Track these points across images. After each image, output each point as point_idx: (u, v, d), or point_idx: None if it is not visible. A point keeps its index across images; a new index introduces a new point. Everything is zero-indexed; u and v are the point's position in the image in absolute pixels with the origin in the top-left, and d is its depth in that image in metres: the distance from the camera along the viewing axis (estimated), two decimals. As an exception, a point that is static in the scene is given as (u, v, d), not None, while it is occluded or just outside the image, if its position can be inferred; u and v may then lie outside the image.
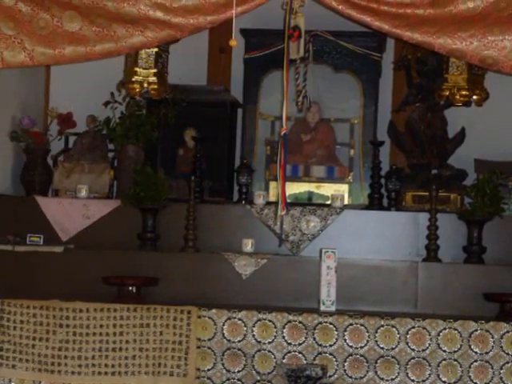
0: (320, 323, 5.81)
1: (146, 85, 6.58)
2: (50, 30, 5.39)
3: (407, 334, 5.79)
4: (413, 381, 5.79)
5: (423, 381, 5.79)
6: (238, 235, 6.47)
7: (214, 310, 5.83)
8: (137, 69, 6.55)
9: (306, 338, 5.80)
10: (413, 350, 5.79)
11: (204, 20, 5.40)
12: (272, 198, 6.68)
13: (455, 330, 5.81)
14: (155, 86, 6.57)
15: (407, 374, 5.78)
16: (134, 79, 6.56)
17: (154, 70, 6.56)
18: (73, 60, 5.50)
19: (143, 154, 6.74)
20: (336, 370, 5.78)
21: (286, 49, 5.32)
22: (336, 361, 5.79)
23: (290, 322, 5.82)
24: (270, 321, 5.82)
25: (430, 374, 5.79)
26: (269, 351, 5.82)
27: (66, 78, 7.15)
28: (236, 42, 5.07)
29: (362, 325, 5.82)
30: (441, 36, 5.32)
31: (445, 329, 5.82)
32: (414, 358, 5.80)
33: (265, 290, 6.24)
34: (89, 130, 6.83)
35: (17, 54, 5.38)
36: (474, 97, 6.75)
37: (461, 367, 5.78)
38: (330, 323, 5.81)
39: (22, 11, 5.36)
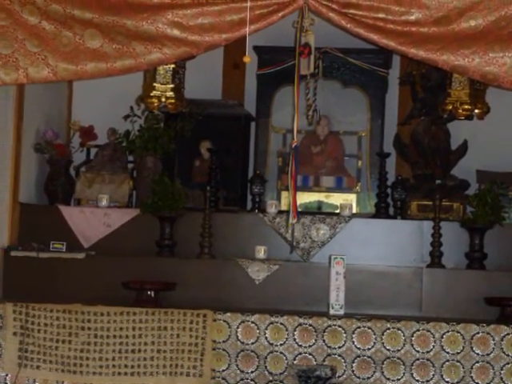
0: (329, 326, 5.84)
1: (163, 99, 6.59)
2: (72, 47, 5.33)
3: (412, 336, 5.81)
4: (417, 381, 5.81)
5: (427, 381, 5.81)
6: (251, 242, 6.47)
7: (228, 314, 5.87)
8: (155, 84, 6.57)
9: (315, 340, 5.83)
10: (417, 351, 5.81)
11: (219, 37, 5.35)
12: (284, 207, 6.69)
13: (458, 332, 5.83)
14: (172, 101, 6.60)
15: (412, 374, 5.80)
16: (152, 94, 6.58)
17: (172, 86, 6.58)
18: (94, 75, 5.46)
19: (161, 165, 6.76)
20: (344, 370, 5.80)
21: (297, 65, 5.33)
22: (344, 362, 5.81)
23: (300, 324, 5.84)
24: (281, 324, 5.85)
25: (433, 375, 5.81)
26: (280, 353, 5.84)
27: (87, 93, 7.18)
28: (250, 59, 5.07)
29: (369, 328, 5.84)
30: (444, 53, 5.26)
31: (448, 331, 5.84)
32: (418, 359, 5.82)
33: (277, 294, 6.27)
34: (109, 143, 6.83)
35: (41, 69, 5.34)
36: (476, 110, 6.81)
37: (463, 368, 5.80)
38: (339, 326, 5.83)
39: (45, 29, 5.31)
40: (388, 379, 5.82)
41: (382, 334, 5.84)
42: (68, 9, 5.34)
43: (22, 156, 6.50)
